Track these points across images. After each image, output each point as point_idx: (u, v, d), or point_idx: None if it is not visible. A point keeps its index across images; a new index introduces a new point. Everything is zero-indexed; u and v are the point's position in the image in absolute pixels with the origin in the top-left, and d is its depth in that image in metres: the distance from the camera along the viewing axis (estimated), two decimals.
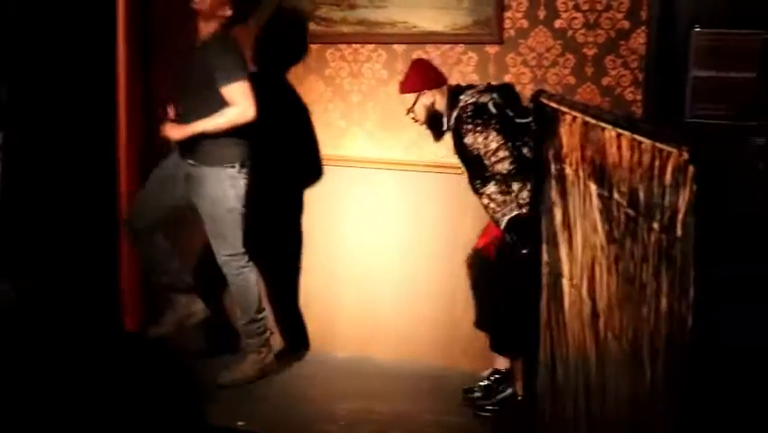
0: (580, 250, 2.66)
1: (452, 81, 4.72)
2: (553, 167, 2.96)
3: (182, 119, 4.57)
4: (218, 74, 4.45)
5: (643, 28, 4.49)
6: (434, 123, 4.41)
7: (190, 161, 4.59)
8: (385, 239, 5.09)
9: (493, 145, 4.15)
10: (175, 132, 4.53)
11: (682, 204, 1.81)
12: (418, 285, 5.05)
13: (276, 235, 5.29)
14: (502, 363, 4.55)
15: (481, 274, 4.49)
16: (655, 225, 1.99)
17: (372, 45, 5.03)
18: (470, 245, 4.66)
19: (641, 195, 2.09)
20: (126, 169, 5.29)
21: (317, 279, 5.29)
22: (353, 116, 5.13)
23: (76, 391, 4.24)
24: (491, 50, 4.79)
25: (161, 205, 4.70)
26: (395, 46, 4.97)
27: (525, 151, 4.18)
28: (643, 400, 2.08)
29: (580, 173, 2.61)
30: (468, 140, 4.22)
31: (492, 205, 4.21)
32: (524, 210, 4.12)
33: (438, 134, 4.44)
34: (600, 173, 2.41)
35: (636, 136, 2.05)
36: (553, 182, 2.95)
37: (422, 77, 4.43)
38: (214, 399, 4.59)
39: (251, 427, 4.32)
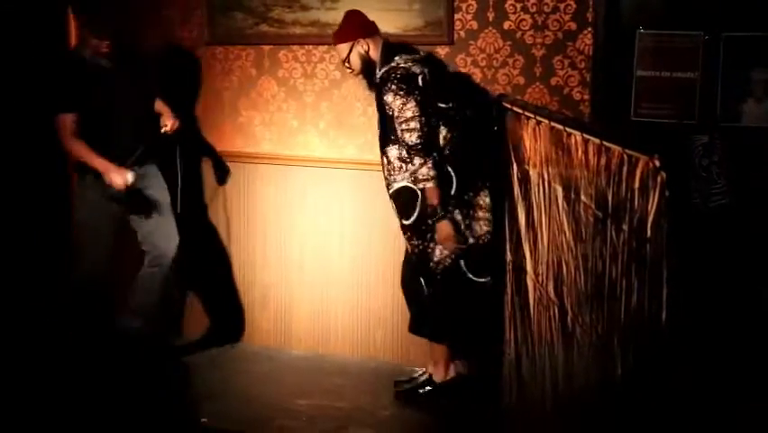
0: (546, 248, 2.78)
1: None
2: (515, 169, 3.07)
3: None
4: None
5: (589, 29, 4.63)
6: (368, 71, 4.52)
7: (137, 168, 4.71)
8: (340, 237, 5.18)
9: (408, 114, 4.27)
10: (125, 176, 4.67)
11: (652, 207, 1.94)
12: (373, 283, 5.15)
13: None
14: (440, 374, 4.68)
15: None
16: (624, 227, 2.11)
17: (325, 46, 5.11)
18: None
19: (609, 197, 2.21)
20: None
21: (274, 277, 5.37)
22: (307, 116, 5.21)
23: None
24: (442, 50, 4.90)
25: (107, 241, 4.81)
26: None
27: (437, 132, 4.35)
28: (614, 389, 2.21)
29: (545, 176, 2.73)
30: (387, 98, 4.33)
31: (389, 167, 4.38)
32: (415, 186, 4.30)
33: (372, 84, 4.55)
34: (566, 176, 2.53)
35: (605, 142, 2.17)
36: (517, 183, 3.07)
37: (356, 26, 4.53)
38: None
39: (214, 424, 4.39)
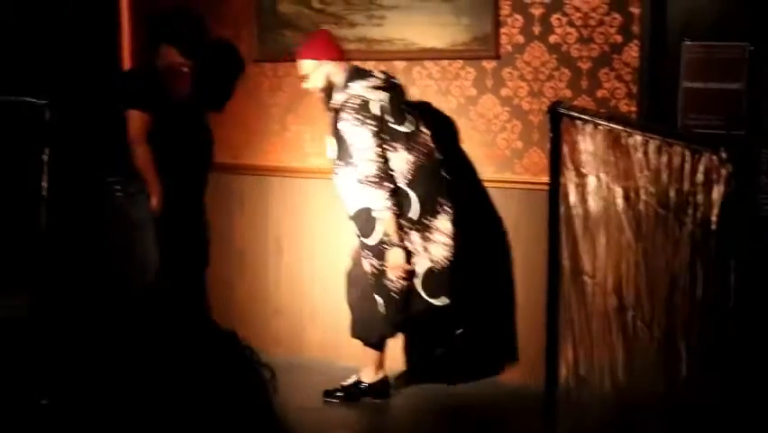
0: (603, 249, 2.83)
1: (452, 96, 4.96)
2: (572, 173, 3.14)
3: None
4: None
5: (635, 42, 4.69)
6: (328, 92, 4.64)
7: None
8: None
9: (363, 144, 4.42)
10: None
11: (717, 200, 1.99)
12: None
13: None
14: (369, 376, 4.83)
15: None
16: (688, 222, 2.16)
17: (373, 62, 5.18)
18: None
19: (671, 194, 2.27)
20: None
21: (323, 290, 5.43)
22: None
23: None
24: (488, 65, 4.97)
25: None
26: (395, 62, 5.14)
27: (389, 156, 4.48)
28: (678, 384, 2.25)
29: (603, 178, 2.79)
30: (343, 126, 4.48)
31: (345, 190, 4.56)
32: (372, 207, 4.46)
33: (329, 106, 4.67)
34: (625, 177, 2.59)
35: (668, 140, 2.22)
36: (573, 187, 3.13)
37: (325, 47, 4.67)
38: None
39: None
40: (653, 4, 4.61)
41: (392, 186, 4.42)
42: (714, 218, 2.01)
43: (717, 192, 1.99)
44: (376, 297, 4.57)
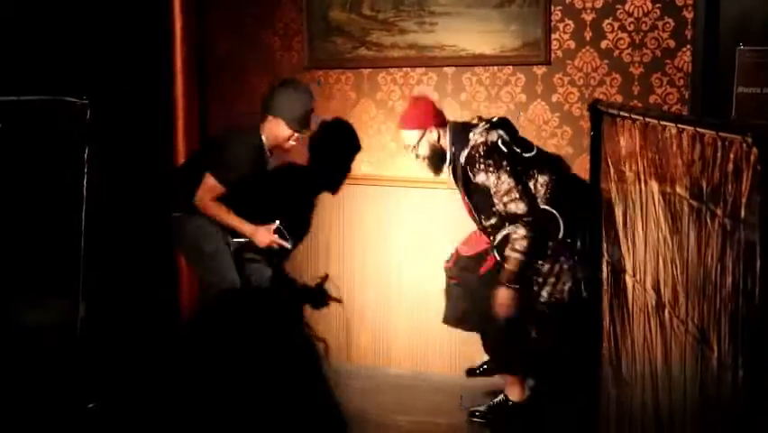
0: (642, 246, 2.79)
1: (502, 102, 4.94)
2: (612, 170, 3.10)
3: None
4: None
5: (688, 47, 4.63)
6: (436, 159, 4.51)
7: None
8: (438, 257, 5.20)
9: (504, 187, 4.26)
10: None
11: (746, 187, 1.95)
12: None
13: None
14: (516, 394, 4.65)
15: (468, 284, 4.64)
16: (719, 211, 2.12)
17: (423, 68, 5.20)
18: None
19: (703, 185, 2.23)
20: None
21: (372, 296, 5.43)
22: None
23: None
24: (539, 70, 4.95)
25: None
26: (445, 69, 5.14)
27: (530, 184, 4.32)
28: (710, 380, 2.20)
29: (641, 174, 2.75)
30: (479, 178, 4.32)
31: (491, 232, 4.41)
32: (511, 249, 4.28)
33: (438, 170, 4.55)
34: (662, 171, 2.55)
35: (699, 129, 2.18)
36: (613, 185, 3.10)
37: (427, 114, 4.51)
38: None
39: None
40: (707, 9, 4.55)
41: (535, 235, 4.26)
42: (743, 207, 1.96)
43: (746, 178, 1.95)
44: (526, 325, 4.39)
